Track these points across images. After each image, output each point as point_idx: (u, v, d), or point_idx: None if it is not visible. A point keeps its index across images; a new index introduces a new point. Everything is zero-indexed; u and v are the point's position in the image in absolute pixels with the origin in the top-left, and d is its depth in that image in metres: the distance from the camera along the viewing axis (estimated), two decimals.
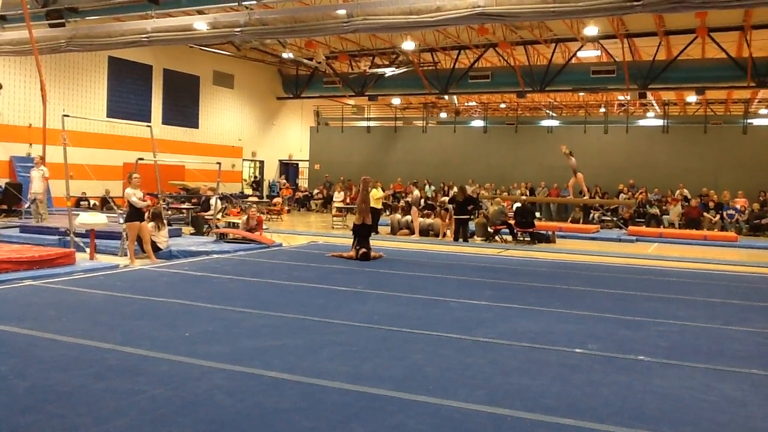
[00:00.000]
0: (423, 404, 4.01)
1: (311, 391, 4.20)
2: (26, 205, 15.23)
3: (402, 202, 20.22)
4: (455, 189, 18.30)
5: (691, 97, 28.52)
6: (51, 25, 15.05)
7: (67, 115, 11.37)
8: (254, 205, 16.92)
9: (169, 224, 12.65)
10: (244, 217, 14.23)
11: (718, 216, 19.77)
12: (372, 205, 16.09)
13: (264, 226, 14.65)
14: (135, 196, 10.21)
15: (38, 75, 13.97)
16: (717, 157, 22.79)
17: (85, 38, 14.77)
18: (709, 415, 4.03)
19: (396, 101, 33.83)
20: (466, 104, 36.69)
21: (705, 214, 19.92)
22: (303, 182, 32.21)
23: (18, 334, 5.42)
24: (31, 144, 19.44)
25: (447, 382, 4.50)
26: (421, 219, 16.78)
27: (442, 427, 3.66)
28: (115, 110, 22.70)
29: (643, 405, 4.14)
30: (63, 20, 15.01)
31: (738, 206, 20.00)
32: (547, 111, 35.75)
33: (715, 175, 22.47)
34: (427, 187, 24.94)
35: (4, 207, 17.68)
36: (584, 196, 19.87)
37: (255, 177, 30.79)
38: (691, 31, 20.14)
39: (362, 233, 10.92)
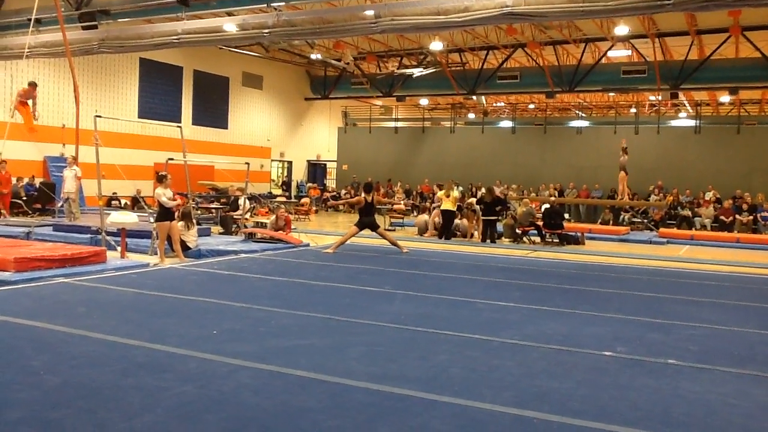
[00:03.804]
0: (448, 405, 4.00)
1: (337, 390, 4.21)
2: (59, 204, 15.48)
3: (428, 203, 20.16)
4: (483, 190, 18.19)
5: (725, 98, 28.00)
6: (84, 27, 15.30)
7: (100, 116, 11.51)
8: (282, 206, 17.02)
9: (199, 224, 12.76)
10: (273, 217, 14.32)
11: (750, 217, 19.39)
12: (447, 207, 15.76)
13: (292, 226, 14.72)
14: (165, 195, 10.33)
15: (71, 76, 14.21)
16: (751, 159, 22.35)
17: (117, 40, 14.98)
18: (741, 421, 3.95)
19: (424, 102, 33.81)
20: (494, 105, 36.50)
21: (737, 216, 19.56)
22: (331, 182, 32.31)
23: (50, 331, 5.52)
24: (64, 144, 19.77)
25: (473, 383, 4.47)
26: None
27: (468, 428, 3.64)
28: (146, 111, 23.00)
29: (672, 410, 4.07)
30: (95, 22, 15.25)
31: None
32: (577, 111, 35.41)
33: (749, 176, 22.04)
34: (454, 188, 24.80)
35: (38, 206, 18.00)
36: (618, 197, 19.58)
37: (285, 178, 31.01)
38: (725, 30, 19.78)
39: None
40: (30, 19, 13.84)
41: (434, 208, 17.27)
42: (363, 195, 12.43)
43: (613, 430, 3.69)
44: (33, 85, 14.20)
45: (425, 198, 24.69)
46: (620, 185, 18.89)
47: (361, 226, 12.30)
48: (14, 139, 14.04)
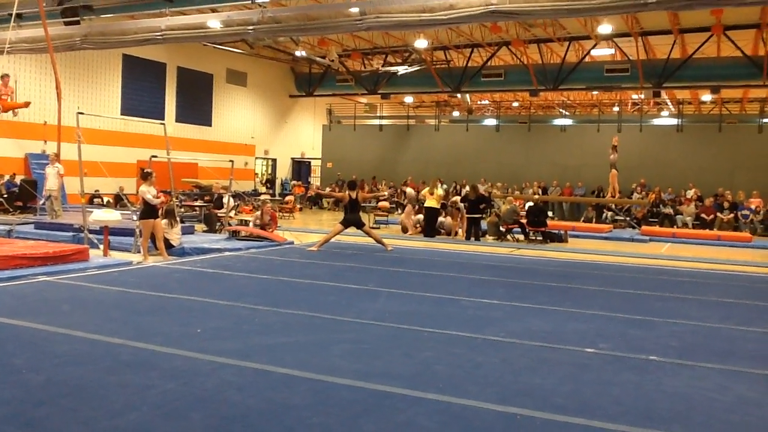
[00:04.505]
0: (433, 401, 4.02)
1: (321, 387, 4.21)
2: (41, 202, 15.33)
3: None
4: (467, 188, 18.23)
5: (706, 96, 28.26)
6: (66, 23, 15.14)
7: (82, 113, 11.41)
8: (269, 201, 16.98)
9: (182, 221, 12.70)
10: (257, 213, 14.28)
11: (731, 215, 19.58)
12: (431, 204, 15.75)
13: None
14: (150, 193, 10.27)
15: (53, 72, 14.07)
16: (732, 157, 22.56)
17: (100, 36, 14.85)
18: (722, 415, 4.00)
19: (408, 99, 33.81)
20: (478, 103, 36.59)
21: (719, 214, 19.76)
22: (315, 180, 32.26)
23: (32, 329, 5.47)
24: (46, 141, 19.58)
25: (457, 380, 4.50)
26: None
27: (452, 425, 3.67)
28: (129, 108, 22.83)
29: (654, 405, 4.12)
30: (78, 18, 15.10)
31: (753, 206, 19.81)
32: (560, 110, 35.59)
33: (730, 174, 22.25)
34: (439, 185, 24.84)
35: (20, 203, 17.81)
36: (610, 194, 19.67)
37: (269, 176, 30.94)
38: (707, 29, 19.97)
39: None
40: (11, 14, 13.68)
41: (406, 204, 17.36)
42: (347, 192, 12.43)
43: (596, 426, 3.73)
44: (5, 77, 14.00)
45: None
46: (612, 183, 18.95)
47: (345, 223, 12.31)
48: None
